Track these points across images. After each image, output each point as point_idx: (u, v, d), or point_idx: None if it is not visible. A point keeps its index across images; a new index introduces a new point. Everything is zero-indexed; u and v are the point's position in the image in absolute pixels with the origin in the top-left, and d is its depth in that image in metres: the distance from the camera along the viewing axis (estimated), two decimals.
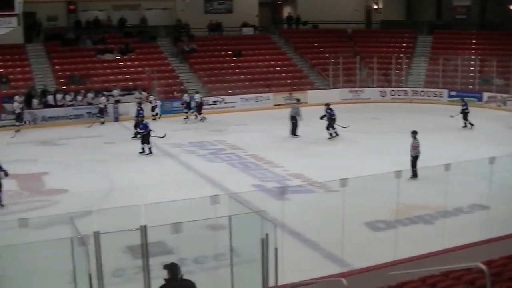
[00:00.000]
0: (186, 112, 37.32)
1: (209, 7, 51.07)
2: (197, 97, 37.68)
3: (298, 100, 33.28)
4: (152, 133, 27.60)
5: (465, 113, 32.55)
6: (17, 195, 21.67)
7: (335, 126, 29.79)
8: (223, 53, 46.91)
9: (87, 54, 44.41)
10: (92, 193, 21.05)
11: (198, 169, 24.19)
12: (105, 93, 38.51)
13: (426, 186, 19.98)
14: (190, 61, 45.07)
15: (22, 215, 13.20)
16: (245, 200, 12.84)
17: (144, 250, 10.64)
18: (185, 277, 9.93)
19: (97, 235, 10.13)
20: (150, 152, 27.40)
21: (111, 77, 42.22)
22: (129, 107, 37.95)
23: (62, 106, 37.59)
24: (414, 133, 22.64)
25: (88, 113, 37.16)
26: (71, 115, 37.05)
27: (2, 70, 40.84)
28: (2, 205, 18.94)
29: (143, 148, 27.48)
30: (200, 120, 36.72)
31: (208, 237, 13.37)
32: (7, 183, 22.58)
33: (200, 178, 22.83)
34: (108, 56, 44.23)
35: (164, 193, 20.04)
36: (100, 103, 36.83)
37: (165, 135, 29.15)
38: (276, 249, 10.64)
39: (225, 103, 40.34)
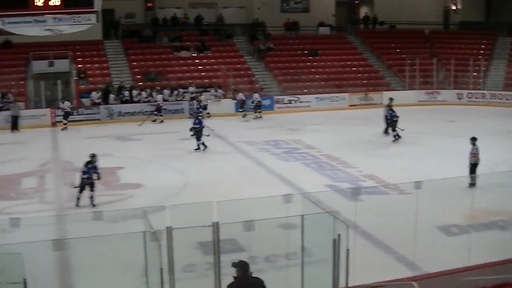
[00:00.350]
0: (242, 111, 37.75)
1: (286, 6, 51.07)
2: (256, 96, 37.81)
3: (391, 99, 32.35)
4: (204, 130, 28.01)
5: None
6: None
7: (396, 128, 29.25)
8: (299, 52, 46.87)
9: (163, 51, 44.97)
10: (166, 189, 21.26)
11: (272, 168, 24.20)
12: (178, 91, 38.93)
13: (501, 192, 19.59)
14: (266, 59, 45.18)
15: (96, 208, 13.44)
16: (318, 200, 12.79)
17: (215, 247, 10.71)
18: (255, 275, 9.95)
19: (169, 230, 10.23)
20: (206, 147, 27.83)
21: (187, 74, 42.65)
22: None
23: (138, 102, 38.11)
24: (474, 139, 21.52)
25: (164, 109, 37.57)
26: (146, 111, 37.51)
27: (80, 65, 41.65)
28: (94, 205, 19.14)
29: (198, 145, 27.77)
30: (255, 118, 37.16)
31: (280, 236, 13.36)
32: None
33: (273, 177, 22.84)
34: (184, 54, 44.66)
35: (237, 190, 20.11)
36: (157, 101, 37.23)
37: (209, 135, 29.14)
38: (347, 250, 10.59)
39: (300, 102, 40.28)
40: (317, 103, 40.38)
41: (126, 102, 38.10)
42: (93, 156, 19.97)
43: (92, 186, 19.54)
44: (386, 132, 30.20)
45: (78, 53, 43.33)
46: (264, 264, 13.66)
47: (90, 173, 19.52)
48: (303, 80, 43.38)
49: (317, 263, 11.94)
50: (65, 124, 34.92)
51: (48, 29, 24.45)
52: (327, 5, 51.64)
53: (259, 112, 37.62)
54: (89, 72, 41.79)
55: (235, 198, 15.08)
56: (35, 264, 11.13)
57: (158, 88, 39.28)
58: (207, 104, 37.64)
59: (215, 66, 43.03)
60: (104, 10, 32.09)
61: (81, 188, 19.45)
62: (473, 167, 21.32)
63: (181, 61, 44.31)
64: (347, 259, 10.60)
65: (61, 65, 40.98)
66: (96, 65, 43.33)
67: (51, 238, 10.60)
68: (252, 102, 37.70)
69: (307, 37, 49.37)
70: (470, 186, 19.88)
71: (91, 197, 19.20)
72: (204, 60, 44.61)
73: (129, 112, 37.50)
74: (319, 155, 26.13)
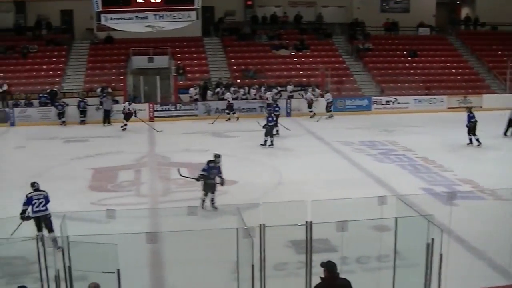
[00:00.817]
0: (310, 111, 37.78)
1: (386, 6, 50.68)
2: (327, 96, 37.70)
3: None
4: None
5: None
6: (187, 184, 22.28)
7: (476, 132, 28.17)
8: (398, 52, 46.46)
9: (262, 49, 45.24)
10: (260, 186, 21.36)
11: (367, 169, 24.02)
12: (276, 89, 39.10)
13: None
14: (364, 59, 44.92)
15: (191, 203, 13.66)
16: (412, 203, 12.66)
17: (308, 246, 10.72)
18: (346, 276, 9.92)
19: (262, 227, 10.29)
20: (271, 144, 28.34)
21: (285, 72, 42.73)
22: (300, 103, 38.41)
23: (235, 99, 38.37)
24: None
25: (261, 107, 37.73)
26: (243, 108, 37.78)
27: (179, 62, 42.22)
28: (216, 208, 18.91)
29: (265, 141, 28.38)
30: (327, 118, 37.16)
31: (373, 237, 13.29)
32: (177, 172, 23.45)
33: (368, 178, 22.66)
34: (283, 52, 44.78)
35: (332, 190, 20.02)
36: (227, 99, 37.30)
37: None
38: (441, 255, 10.45)
39: (398, 103, 39.85)
40: (415, 105, 39.88)
41: (223, 99, 38.41)
42: (217, 156, 19.08)
43: (214, 189, 18.84)
44: (505, 134, 30.04)
45: (177, 49, 44.09)
46: (355, 265, 13.58)
47: (210, 173, 18.83)
48: (401, 81, 42.92)
49: (409, 267, 11.81)
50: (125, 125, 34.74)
51: (149, 26, 24.82)
52: (427, 6, 50.92)
53: (330, 111, 37.55)
54: (187, 68, 42.37)
55: (329, 198, 15.05)
56: (129, 255, 11.36)
57: (256, 85, 39.54)
58: (331, 103, 37.87)
59: (313, 65, 42.94)
60: (204, 7, 32.47)
61: (205, 189, 18.79)
62: None
63: (279, 60, 44.45)
64: (440, 264, 10.47)
65: (161, 61, 41.78)
66: (195, 61, 43.92)
67: (145, 231, 10.79)
68: (327, 101, 37.71)
69: (407, 38, 48.81)
70: None
71: (212, 200, 18.81)
72: (302, 59, 44.61)
73: (225, 109, 37.84)
74: (415, 157, 25.79)
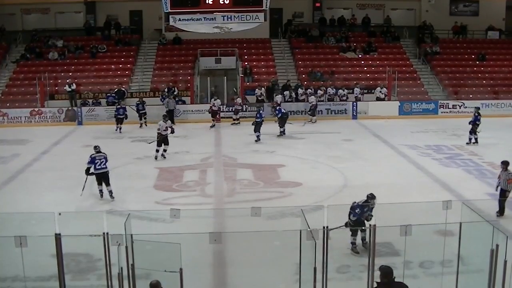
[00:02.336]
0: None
1: (455, 9, 50.03)
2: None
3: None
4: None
5: None
6: (252, 185, 22.39)
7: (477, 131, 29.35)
8: (466, 56, 45.79)
9: (329, 51, 45.15)
10: (325, 188, 21.30)
11: (432, 173, 23.79)
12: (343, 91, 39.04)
13: None
14: (432, 63, 44.40)
15: (255, 204, 13.71)
16: (477, 208, 12.55)
17: (371, 249, 10.68)
18: (409, 281, 9.88)
19: (326, 230, 10.29)
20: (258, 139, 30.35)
21: (352, 75, 42.52)
22: (368, 105, 38.23)
23: (302, 101, 38.35)
24: (505, 164, 18.41)
25: (327, 109, 37.70)
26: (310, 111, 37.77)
27: (246, 63, 42.34)
28: None
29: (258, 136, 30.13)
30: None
31: (436, 242, 13.15)
32: (243, 172, 23.55)
33: (433, 182, 22.44)
34: (350, 55, 44.60)
35: (396, 194, 19.89)
36: (311, 102, 37.09)
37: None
38: (505, 262, 10.31)
39: (465, 107, 39.26)
40: (483, 109, 39.07)
41: (290, 100, 38.40)
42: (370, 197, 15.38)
43: None
44: None
45: (244, 50, 44.26)
46: (418, 269, 13.47)
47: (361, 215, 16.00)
48: (469, 85, 42.32)
49: (473, 272, 11.70)
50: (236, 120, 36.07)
51: (217, 27, 25.02)
52: (497, 9, 50.05)
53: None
54: (254, 69, 42.50)
55: (393, 201, 14.97)
56: (192, 255, 11.46)
57: (323, 87, 39.43)
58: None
59: (380, 68, 42.66)
60: (272, 9, 32.60)
61: None
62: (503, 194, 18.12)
63: (347, 62, 44.27)
64: (504, 270, 10.33)
65: (228, 62, 42.06)
66: (262, 63, 44.04)
67: (209, 231, 10.87)
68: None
69: (476, 41, 48.10)
70: (498, 215, 17.32)
71: None
72: (370, 62, 44.36)
73: (293, 111, 37.81)
74: (481, 162, 25.44)
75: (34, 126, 35.97)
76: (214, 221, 17.97)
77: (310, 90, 38.63)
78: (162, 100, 37.06)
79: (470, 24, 48.31)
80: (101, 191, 20.20)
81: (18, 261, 10.45)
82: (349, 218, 14.64)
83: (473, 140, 29.44)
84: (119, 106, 34.74)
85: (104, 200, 19.93)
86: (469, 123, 29.61)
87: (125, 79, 41.24)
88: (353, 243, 14.86)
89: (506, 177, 18.06)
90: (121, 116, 34.01)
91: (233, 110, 36.54)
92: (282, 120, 32.26)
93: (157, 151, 26.66)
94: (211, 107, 35.85)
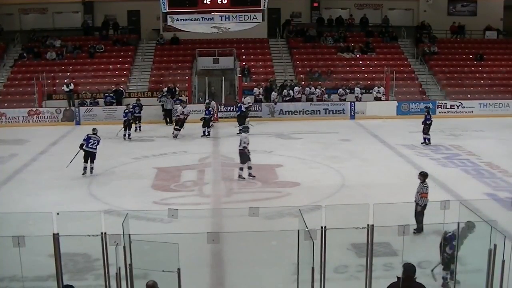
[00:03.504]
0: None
1: (453, 9, 50.06)
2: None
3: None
4: None
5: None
6: (250, 184, 22.40)
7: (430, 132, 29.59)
8: (464, 56, 45.84)
9: (327, 51, 45.18)
10: (323, 188, 21.33)
11: (430, 173, 23.65)
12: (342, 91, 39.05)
13: None
14: (430, 63, 44.43)
15: (252, 204, 13.74)
16: (475, 208, 12.54)
17: (368, 249, 10.69)
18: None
19: (323, 230, 10.30)
20: (206, 135, 31.96)
21: (350, 75, 42.57)
22: (366, 105, 38.26)
23: (299, 100, 38.39)
24: (423, 176, 16.98)
25: (325, 109, 37.74)
26: (307, 110, 37.80)
27: (244, 63, 42.37)
28: None
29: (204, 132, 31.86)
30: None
31: (434, 242, 13.17)
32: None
33: (431, 182, 22.32)
34: (348, 55, 44.61)
35: (394, 194, 19.89)
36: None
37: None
38: (503, 262, 10.32)
39: (463, 107, 39.32)
40: (481, 109, 39.29)
41: (288, 100, 38.43)
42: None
43: None
44: None
45: (242, 50, 44.30)
46: (416, 270, 13.48)
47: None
48: (467, 85, 42.35)
49: (471, 272, 11.72)
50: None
51: (215, 27, 25.01)
52: (495, 9, 50.06)
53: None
54: (252, 69, 42.51)
55: (391, 201, 14.98)
56: (190, 255, 11.46)
57: (321, 87, 39.43)
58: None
59: (378, 68, 42.70)
60: (270, 9, 32.59)
61: None
62: (421, 209, 16.30)
63: (345, 62, 44.30)
64: (502, 270, 10.33)
65: (226, 62, 42.10)
66: (260, 63, 44.08)
67: (207, 231, 10.87)
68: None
69: (473, 41, 48.18)
70: (415, 232, 15.66)
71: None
72: (367, 62, 44.40)
73: (290, 111, 37.87)
74: (479, 162, 25.45)
75: (32, 126, 35.97)
76: (212, 221, 17.97)
77: (308, 89, 38.77)
78: (159, 99, 36.91)
79: (468, 24, 48.37)
80: (85, 168, 23.57)
81: (16, 261, 10.44)
82: (445, 251, 12.74)
83: (426, 141, 29.56)
84: (126, 111, 33.41)
85: (103, 201, 19.92)
86: (422, 123, 29.84)
87: (123, 79, 41.26)
88: (445, 278, 12.91)
89: (420, 190, 16.48)
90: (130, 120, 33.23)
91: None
92: (240, 118, 32.88)
93: (177, 129, 31.76)
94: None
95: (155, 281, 9.47)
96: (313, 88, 39.17)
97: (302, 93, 38.78)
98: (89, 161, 23.57)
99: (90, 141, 23.85)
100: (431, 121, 29.60)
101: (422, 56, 45.12)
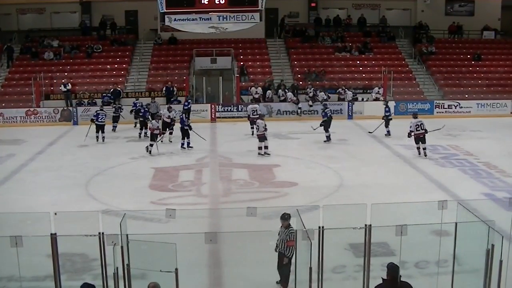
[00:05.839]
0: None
1: (450, 9, 50.13)
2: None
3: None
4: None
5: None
6: (247, 185, 22.40)
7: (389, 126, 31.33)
8: (461, 56, 45.89)
9: (325, 51, 45.22)
10: (321, 188, 21.32)
11: (428, 173, 23.80)
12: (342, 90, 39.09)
13: None
14: (427, 63, 44.47)
15: (250, 204, 13.76)
16: (473, 208, 12.54)
17: (366, 249, 10.69)
18: (404, 280, 9.87)
19: (321, 230, 10.30)
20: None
21: (348, 75, 42.59)
22: (364, 106, 38.29)
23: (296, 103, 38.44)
24: (286, 219, 12.54)
25: (323, 109, 37.73)
26: (305, 110, 37.79)
27: (242, 63, 42.37)
28: None
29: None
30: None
31: (432, 242, 13.16)
32: (239, 172, 23.52)
33: (429, 182, 22.45)
34: (346, 54, 44.64)
35: (392, 194, 19.95)
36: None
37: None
38: (501, 262, 10.31)
39: (461, 107, 39.36)
40: (478, 109, 39.32)
41: (285, 100, 38.44)
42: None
43: None
44: None
45: (240, 50, 44.30)
46: (413, 269, 13.48)
47: None
48: (464, 85, 42.40)
49: (469, 272, 11.70)
50: None
51: (212, 27, 25.00)
52: (492, 9, 50.09)
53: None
54: (250, 69, 42.53)
55: (389, 201, 14.97)
56: (187, 255, 11.46)
57: (316, 87, 39.48)
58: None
59: (376, 68, 42.74)
60: (267, 9, 32.60)
61: None
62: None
63: (342, 62, 44.34)
64: (499, 271, 10.33)
65: (224, 62, 42.14)
66: (257, 63, 44.11)
67: (205, 231, 10.87)
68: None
69: (471, 41, 48.27)
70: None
71: None
72: (365, 62, 44.42)
73: (288, 111, 37.90)
74: (477, 162, 25.45)
75: (29, 126, 35.99)
76: (209, 221, 17.96)
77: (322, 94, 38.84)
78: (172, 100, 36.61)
79: (466, 24, 48.47)
80: (97, 137, 30.85)
81: (14, 261, 10.42)
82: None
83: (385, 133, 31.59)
84: (114, 105, 34.39)
85: (101, 201, 19.93)
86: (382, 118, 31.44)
87: (120, 79, 41.29)
88: None
89: (285, 237, 12.49)
90: (115, 115, 34.22)
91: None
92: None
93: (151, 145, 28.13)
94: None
95: (157, 283, 9.44)
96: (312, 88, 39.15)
97: (295, 101, 38.63)
98: (100, 132, 30.73)
99: (99, 116, 30.96)
100: (388, 113, 31.23)
101: (419, 56, 45.16)
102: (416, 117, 27.48)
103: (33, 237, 10.12)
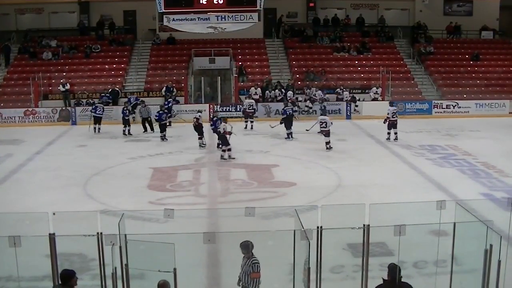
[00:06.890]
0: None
1: (449, 9, 50.14)
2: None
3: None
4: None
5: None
6: (246, 185, 22.40)
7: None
8: (460, 56, 45.90)
9: (323, 51, 45.22)
10: (319, 189, 21.29)
11: (426, 173, 23.80)
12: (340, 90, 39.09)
13: None
14: (426, 63, 44.48)
15: (248, 204, 13.77)
16: (471, 208, 12.53)
17: (365, 249, 10.69)
18: (403, 280, 9.87)
19: (320, 230, 10.29)
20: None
21: (346, 75, 42.58)
22: (362, 105, 38.30)
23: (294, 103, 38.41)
24: (246, 247, 11.53)
25: (321, 109, 37.73)
26: (304, 110, 37.76)
27: (240, 63, 42.37)
28: None
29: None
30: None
31: (430, 242, 13.15)
32: (237, 172, 23.51)
33: (427, 182, 22.46)
34: (344, 54, 44.63)
35: (390, 194, 19.96)
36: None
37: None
38: (499, 262, 10.31)
39: (459, 107, 39.38)
40: (477, 109, 39.35)
41: (279, 101, 38.41)
42: None
43: None
44: None
45: (238, 50, 44.29)
46: (412, 269, 13.48)
47: None
48: (463, 85, 42.40)
49: (467, 272, 11.69)
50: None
51: (211, 27, 25.03)
52: (491, 9, 50.13)
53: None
54: (248, 69, 42.53)
55: (387, 201, 14.97)
56: (186, 255, 11.44)
57: (314, 87, 39.44)
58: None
59: (374, 68, 42.72)
60: (266, 9, 32.63)
61: None
62: None
63: (341, 62, 44.34)
64: (498, 271, 10.32)
65: (222, 62, 42.15)
66: (256, 63, 44.10)
67: (203, 231, 10.87)
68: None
69: (469, 41, 48.29)
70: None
71: None
72: (363, 62, 44.43)
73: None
74: (475, 162, 25.46)
75: (28, 126, 35.99)
76: (208, 221, 17.95)
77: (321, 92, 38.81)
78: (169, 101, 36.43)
79: (464, 24, 48.43)
80: (94, 128, 33.36)
81: (12, 261, 10.41)
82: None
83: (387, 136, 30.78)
84: (124, 109, 33.71)
85: (99, 201, 19.92)
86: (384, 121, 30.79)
87: (119, 79, 41.29)
88: None
89: (248, 269, 11.54)
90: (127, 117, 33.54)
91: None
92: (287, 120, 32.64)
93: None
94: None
95: (167, 281, 9.43)
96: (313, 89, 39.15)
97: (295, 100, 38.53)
98: (97, 124, 33.23)
99: (97, 109, 33.80)
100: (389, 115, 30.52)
101: (418, 56, 45.18)
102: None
103: (31, 237, 10.10)
